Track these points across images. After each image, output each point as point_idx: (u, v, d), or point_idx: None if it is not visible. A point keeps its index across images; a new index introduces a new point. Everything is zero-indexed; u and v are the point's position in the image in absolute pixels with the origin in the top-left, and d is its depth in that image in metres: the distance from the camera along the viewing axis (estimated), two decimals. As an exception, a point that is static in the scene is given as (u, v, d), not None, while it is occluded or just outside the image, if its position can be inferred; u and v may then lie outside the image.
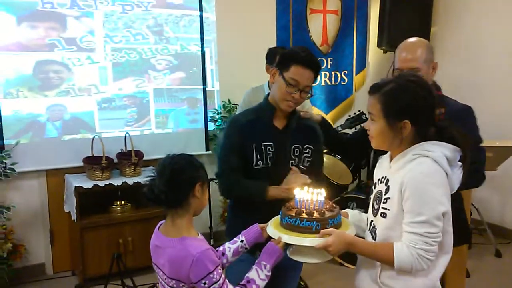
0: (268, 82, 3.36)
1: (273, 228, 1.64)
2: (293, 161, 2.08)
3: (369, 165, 4.64)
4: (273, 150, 2.04)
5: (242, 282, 1.61)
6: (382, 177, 1.64)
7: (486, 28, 4.68)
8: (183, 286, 1.56)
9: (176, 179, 1.54)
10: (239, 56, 4.35)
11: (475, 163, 2.05)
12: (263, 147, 2.03)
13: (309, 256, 1.61)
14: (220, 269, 1.54)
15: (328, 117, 5.01)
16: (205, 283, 1.50)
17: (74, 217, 3.52)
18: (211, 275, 1.50)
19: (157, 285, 3.52)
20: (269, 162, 2.04)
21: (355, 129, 3.49)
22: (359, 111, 3.46)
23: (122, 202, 3.77)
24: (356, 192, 4.06)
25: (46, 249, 3.81)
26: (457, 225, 1.64)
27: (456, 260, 2.21)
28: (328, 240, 1.52)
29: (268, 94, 2.13)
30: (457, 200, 2.21)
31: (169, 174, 1.54)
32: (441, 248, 1.55)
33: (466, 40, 4.80)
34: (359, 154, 2.74)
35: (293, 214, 1.58)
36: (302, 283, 3.59)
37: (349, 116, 3.53)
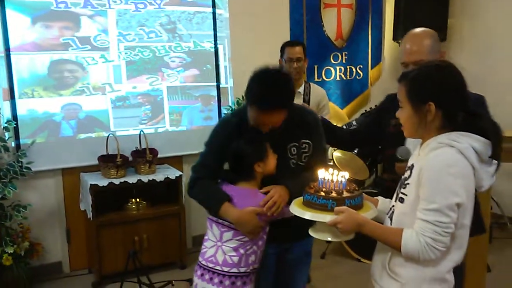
0: None
1: (294, 204, 1.73)
2: (293, 160, 2.01)
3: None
4: None
5: None
6: (411, 165, 1.61)
7: (504, 18, 4.58)
8: None
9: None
10: (252, 53, 4.31)
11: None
12: None
13: (325, 234, 1.67)
14: None
15: (344, 111, 4.95)
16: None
17: (90, 215, 3.54)
18: None
19: (173, 282, 3.54)
20: None
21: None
22: (375, 106, 3.41)
23: (137, 200, 3.78)
24: (373, 187, 4.01)
25: (62, 247, 3.84)
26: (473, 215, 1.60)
27: (476, 255, 2.16)
28: (338, 217, 1.55)
29: None
30: None
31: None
32: (454, 241, 1.51)
33: (485, 30, 4.70)
34: (370, 148, 2.70)
35: (312, 192, 1.65)
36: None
37: (365, 111, 3.49)
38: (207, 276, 1.92)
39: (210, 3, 4.17)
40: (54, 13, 3.64)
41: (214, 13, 4.21)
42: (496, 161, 1.54)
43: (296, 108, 2.05)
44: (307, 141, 2.02)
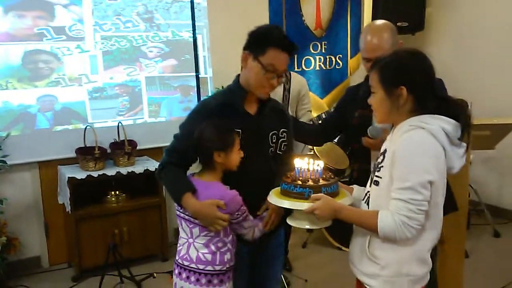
0: None
1: (272, 194, 1.74)
2: (271, 148, 1.96)
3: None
4: (240, 137, 1.87)
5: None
6: (384, 150, 1.63)
7: (483, 7, 4.63)
8: None
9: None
10: (231, 42, 4.22)
11: None
12: None
13: (302, 222, 1.69)
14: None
15: (324, 101, 4.95)
16: (238, 214, 1.83)
17: (68, 208, 3.48)
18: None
19: (154, 274, 3.52)
20: None
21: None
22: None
23: (117, 192, 3.74)
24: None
25: (41, 242, 3.77)
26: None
27: (454, 240, 2.20)
28: (315, 204, 1.58)
29: (238, 75, 1.97)
30: None
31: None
32: (428, 219, 1.54)
33: (462, 20, 4.74)
34: (330, 140, 2.74)
35: (289, 181, 1.67)
36: (287, 266, 3.61)
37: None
38: (184, 275, 1.89)
39: (188, -9, 4.11)
40: (27, 2, 3.54)
41: (192, 2, 4.12)
42: (465, 144, 1.58)
43: (272, 98, 2.02)
44: (285, 129, 2.00)
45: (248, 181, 1.85)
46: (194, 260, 1.86)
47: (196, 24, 4.16)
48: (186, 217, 1.87)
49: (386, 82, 1.58)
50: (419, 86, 1.56)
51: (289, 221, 1.74)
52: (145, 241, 3.78)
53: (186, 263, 1.88)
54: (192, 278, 1.86)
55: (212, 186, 1.84)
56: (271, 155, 1.97)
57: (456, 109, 1.57)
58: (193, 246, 1.87)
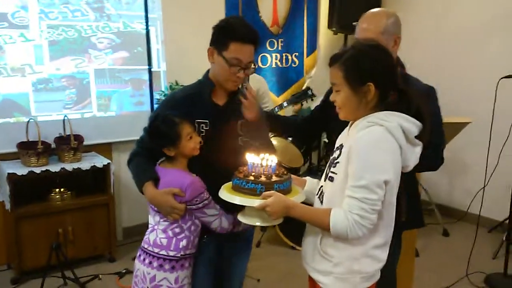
0: None
1: (223, 189, 1.69)
2: (241, 137, 1.95)
3: (319, 148, 4.61)
4: (207, 128, 1.90)
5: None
6: (340, 145, 1.60)
7: (435, 9, 4.71)
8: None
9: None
10: (186, 36, 4.16)
11: (439, 145, 2.02)
12: (196, 125, 1.89)
13: (254, 218, 1.64)
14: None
15: (280, 99, 4.92)
16: (197, 201, 1.81)
17: (7, 206, 3.27)
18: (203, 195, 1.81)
19: (100, 276, 3.36)
20: (205, 142, 1.88)
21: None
22: (305, 87, 3.38)
23: (61, 189, 3.54)
24: (307, 175, 4.00)
25: (-23, 242, 3.54)
26: (412, 209, 1.61)
27: (405, 239, 2.19)
28: (266, 201, 1.53)
29: (208, 70, 1.98)
30: (414, 184, 2.18)
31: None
32: (381, 218, 1.52)
33: (418, 19, 4.81)
34: (310, 135, 2.64)
35: (241, 176, 1.62)
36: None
37: (296, 93, 3.45)
38: (142, 257, 1.91)
39: (141, -18, 3.96)
40: (-35, -15, 3.31)
41: (145, -7, 3.99)
42: (421, 142, 1.55)
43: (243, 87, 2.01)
44: None
45: (215, 172, 1.80)
46: (152, 243, 1.88)
47: (149, 16, 4.02)
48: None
49: (353, 80, 1.52)
50: (384, 81, 1.53)
51: (239, 218, 1.70)
52: (92, 241, 3.60)
53: (145, 245, 1.91)
54: (146, 260, 1.88)
55: (170, 173, 1.86)
56: (241, 144, 1.94)
57: (413, 98, 1.55)
58: (155, 231, 1.90)
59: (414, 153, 1.54)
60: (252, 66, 1.89)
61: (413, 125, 1.51)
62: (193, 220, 1.88)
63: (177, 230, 1.86)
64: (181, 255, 1.86)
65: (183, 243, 1.86)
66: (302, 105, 3.68)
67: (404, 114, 1.51)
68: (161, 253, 1.86)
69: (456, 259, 3.73)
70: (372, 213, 1.46)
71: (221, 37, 1.84)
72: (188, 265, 1.91)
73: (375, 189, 1.44)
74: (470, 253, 3.41)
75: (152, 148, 1.91)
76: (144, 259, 1.89)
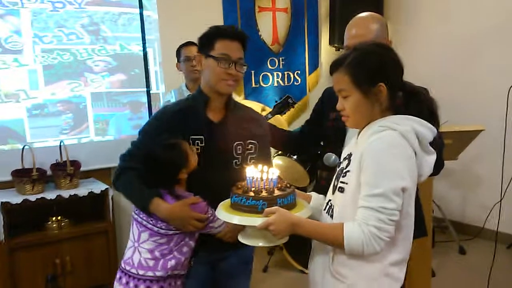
0: (185, 83, 3.35)
1: (221, 208, 1.54)
2: (236, 160, 1.84)
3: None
4: (202, 144, 1.79)
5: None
6: (347, 155, 1.47)
7: (438, 23, 4.63)
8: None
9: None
10: (184, 57, 4.08)
11: (441, 148, 1.90)
12: (191, 141, 1.78)
13: (256, 239, 1.49)
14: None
15: (284, 118, 4.79)
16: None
17: (1, 237, 3.13)
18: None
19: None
20: (199, 159, 1.77)
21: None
22: (284, 95, 3.26)
23: (58, 217, 3.40)
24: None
25: (-29, 275, 3.38)
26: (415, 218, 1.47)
27: (420, 259, 2.04)
28: (269, 218, 1.37)
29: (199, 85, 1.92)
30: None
31: None
32: (399, 230, 1.36)
33: (419, 36, 4.73)
34: (312, 146, 2.52)
35: (240, 193, 1.47)
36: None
37: (276, 101, 3.31)
38: (124, 280, 1.77)
39: (137, 3, 3.89)
40: (-44, 11, 3.25)
41: (141, 14, 3.94)
42: (434, 151, 1.42)
43: (244, 106, 1.95)
44: (253, 141, 1.88)
45: (208, 191, 1.71)
46: (136, 265, 1.75)
47: (147, 37, 3.97)
48: (139, 219, 1.77)
49: (363, 81, 1.39)
50: (393, 80, 1.41)
51: (240, 239, 1.53)
52: (91, 271, 3.44)
53: (128, 267, 1.77)
54: (131, 284, 1.75)
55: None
56: (236, 167, 1.82)
57: (425, 102, 1.44)
58: (137, 251, 1.77)
59: (427, 162, 1.41)
60: (244, 65, 1.82)
61: (428, 130, 1.39)
62: (186, 242, 1.75)
63: (165, 251, 1.73)
64: (168, 274, 1.74)
65: (172, 263, 1.75)
66: (283, 114, 3.56)
67: (418, 118, 1.39)
68: (147, 274, 1.73)
69: (475, 278, 3.53)
70: (390, 224, 1.31)
71: (206, 39, 1.81)
72: (176, 286, 1.79)
73: (393, 197, 1.30)
74: (490, 271, 3.22)
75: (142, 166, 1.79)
76: (127, 283, 1.75)
